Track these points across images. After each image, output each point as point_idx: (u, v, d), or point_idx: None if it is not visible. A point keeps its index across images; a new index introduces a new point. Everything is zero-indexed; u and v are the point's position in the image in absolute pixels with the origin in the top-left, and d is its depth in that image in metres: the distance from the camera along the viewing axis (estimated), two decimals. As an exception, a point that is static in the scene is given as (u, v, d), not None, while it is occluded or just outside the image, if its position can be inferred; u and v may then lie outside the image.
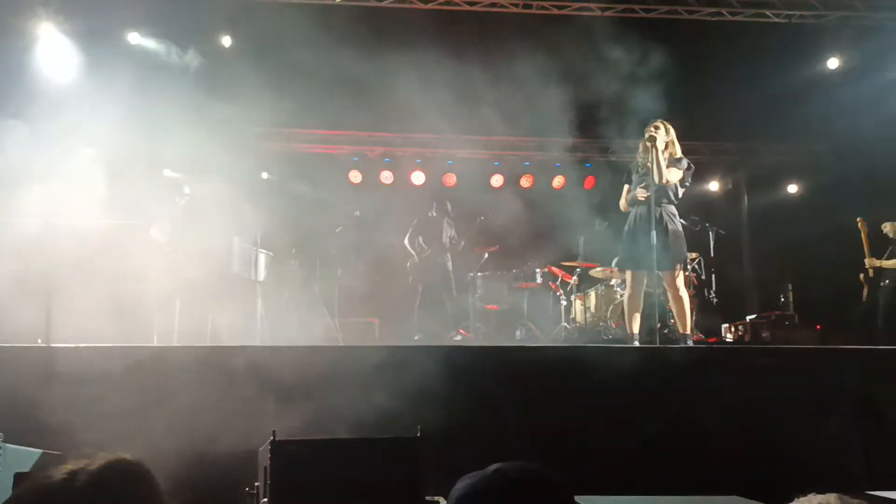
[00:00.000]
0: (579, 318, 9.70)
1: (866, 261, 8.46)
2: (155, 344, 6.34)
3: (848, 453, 4.57)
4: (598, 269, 9.74)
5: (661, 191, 6.60)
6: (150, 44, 9.63)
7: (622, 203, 6.95)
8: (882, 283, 8.33)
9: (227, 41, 9.91)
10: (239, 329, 7.45)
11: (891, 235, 8.57)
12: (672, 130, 6.80)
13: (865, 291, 8.50)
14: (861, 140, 10.36)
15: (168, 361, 4.53)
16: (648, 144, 6.57)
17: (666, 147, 6.70)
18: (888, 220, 8.67)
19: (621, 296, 8.22)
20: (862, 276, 8.51)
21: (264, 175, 12.07)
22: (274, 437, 3.29)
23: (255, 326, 8.00)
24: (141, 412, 4.09)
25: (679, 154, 6.80)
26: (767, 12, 10.14)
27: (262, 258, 8.41)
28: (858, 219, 8.68)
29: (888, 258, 8.40)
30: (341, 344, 8.58)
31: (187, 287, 6.71)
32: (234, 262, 7.79)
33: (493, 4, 9.98)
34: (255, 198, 8.23)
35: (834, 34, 10.30)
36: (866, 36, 10.26)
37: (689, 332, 6.64)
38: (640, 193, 6.64)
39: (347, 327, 9.50)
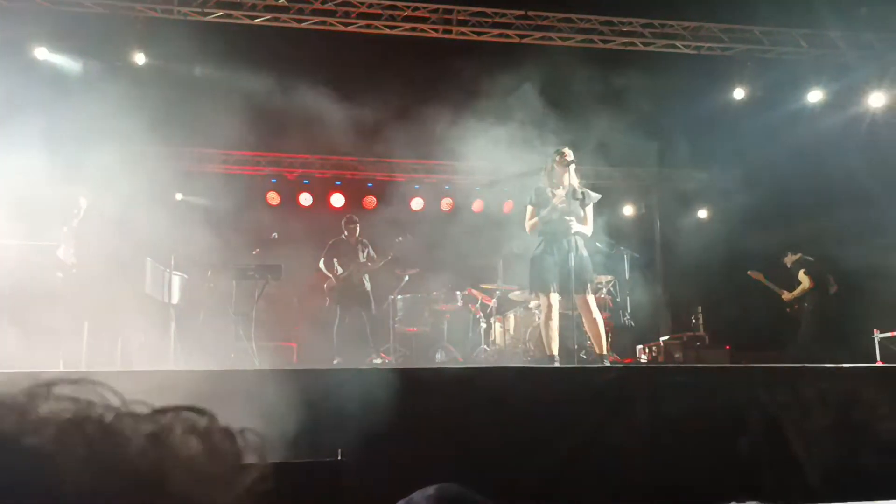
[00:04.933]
0: (499, 340, 9.75)
1: (784, 298, 9.06)
2: (61, 369, 6.07)
3: (757, 468, 4.71)
4: (517, 291, 9.83)
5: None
6: (58, 59, 9.33)
7: (529, 226, 6.91)
8: (806, 305, 8.94)
9: (140, 58, 9.65)
10: (151, 353, 7.21)
11: (788, 266, 9.12)
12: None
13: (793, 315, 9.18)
14: (767, 166, 10.83)
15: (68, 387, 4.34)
16: (572, 181, 6.70)
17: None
18: (790, 247, 9.21)
19: (539, 318, 8.32)
20: (788, 309, 9.12)
21: (178, 196, 11.83)
22: (187, 464, 3.19)
23: (167, 350, 7.76)
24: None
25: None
26: (678, 44, 10.54)
27: (176, 280, 8.18)
28: (749, 272, 9.28)
29: (791, 289, 9.02)
30: (258, 368, 8.39)
31: (96, 310, 6.46)
32: (146, 284, 7.56)
33: (414, 29, 10.04)
34: (169, 219, 8.01)
35: (740, 66, 10.78)
36: (769, 68, 10.79)
37: (605, 353, 6.76)
38: (559, 199, 6.69)
39: (265, 351, 9.31)
